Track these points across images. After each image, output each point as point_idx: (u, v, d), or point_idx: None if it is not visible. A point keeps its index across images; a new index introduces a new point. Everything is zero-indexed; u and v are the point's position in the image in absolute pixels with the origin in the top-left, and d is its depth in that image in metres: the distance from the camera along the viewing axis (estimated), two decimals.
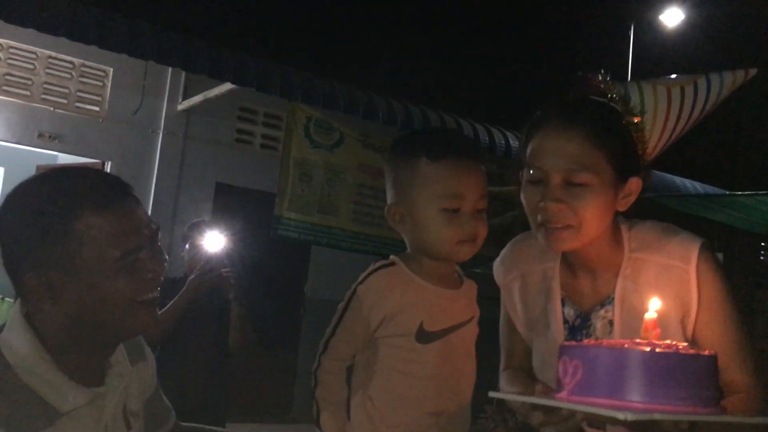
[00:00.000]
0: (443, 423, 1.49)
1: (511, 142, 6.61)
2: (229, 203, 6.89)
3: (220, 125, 7.14)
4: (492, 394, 1.27)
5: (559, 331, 1.47)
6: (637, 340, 1.18)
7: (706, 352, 1.17)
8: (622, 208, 1.40)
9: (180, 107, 6.88)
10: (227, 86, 6.02)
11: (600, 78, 1.42)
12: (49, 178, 1.24)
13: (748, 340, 1.42)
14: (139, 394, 1.37)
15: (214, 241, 2.98)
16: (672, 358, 1.13)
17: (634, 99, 1.43)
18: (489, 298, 1.71)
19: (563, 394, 1.17)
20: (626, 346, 1.15)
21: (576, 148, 1.33)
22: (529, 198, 1.38)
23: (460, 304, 1.55)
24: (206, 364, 3.03)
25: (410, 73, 7.75)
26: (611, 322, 1.43)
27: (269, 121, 7.40)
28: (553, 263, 1.50)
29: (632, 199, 1.40)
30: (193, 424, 1.61)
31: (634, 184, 1.39)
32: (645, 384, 1.11)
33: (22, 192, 1.21)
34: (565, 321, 1.48)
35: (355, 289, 1.49)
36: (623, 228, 1.45)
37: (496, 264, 1.61)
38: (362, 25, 8.06)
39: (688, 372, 1.13)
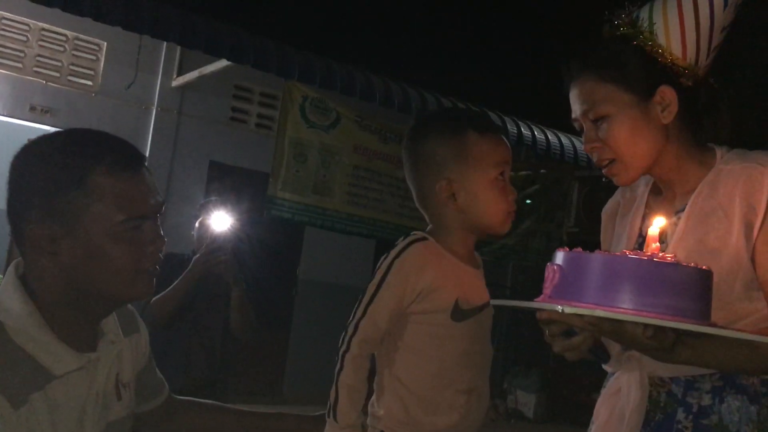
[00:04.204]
0: (473, 401, 1.48)
1: (508, 126, 6.56)
2: (222, 182, 6.84)
3: (215, 103, 7.08)
4: (494, 302, 1.33)
5: (628, 243, 1.51)
6: (624, 251, 1.20)
7: (692, 264, 1.15)
8: (666, 120, 1.41)
9: (174, 83, 6.81)
10: (223, 63, 5.94)
11: (614, 15, 1.47)
12: (71, 133, 1.27)
13: None
14: (132, 366, 1.38)
15: (220, 221, 2.97)
16: (633, 263, 1.12)
17: (643, 16, 1.45)
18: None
19: (541, 297, 1.20)
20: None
21: (585, 90, 1.43)
22: (584, 146, 1.49)
23: (484, 283, 1.55)
24: (210, 344, 3.03)
25: (408, 55, 7.69)
26: None
27: (265, 100, 7.33)
28: (645, 187, 1.56)
29: (673, 108, 1.40)
30: (187, 398, 1.60)
31: (666, 92, 1.40)
32: (597, 286, 1.13)
33: (42, 142, 1.23)
34: (640, 235, 1.51)
35: (391, 263, 1.44)
36: (720, 150, 1.45)
37: (610, 199, 1.68)
38: (361, 4, 7.98)
39: (652, 279, 1.11)
